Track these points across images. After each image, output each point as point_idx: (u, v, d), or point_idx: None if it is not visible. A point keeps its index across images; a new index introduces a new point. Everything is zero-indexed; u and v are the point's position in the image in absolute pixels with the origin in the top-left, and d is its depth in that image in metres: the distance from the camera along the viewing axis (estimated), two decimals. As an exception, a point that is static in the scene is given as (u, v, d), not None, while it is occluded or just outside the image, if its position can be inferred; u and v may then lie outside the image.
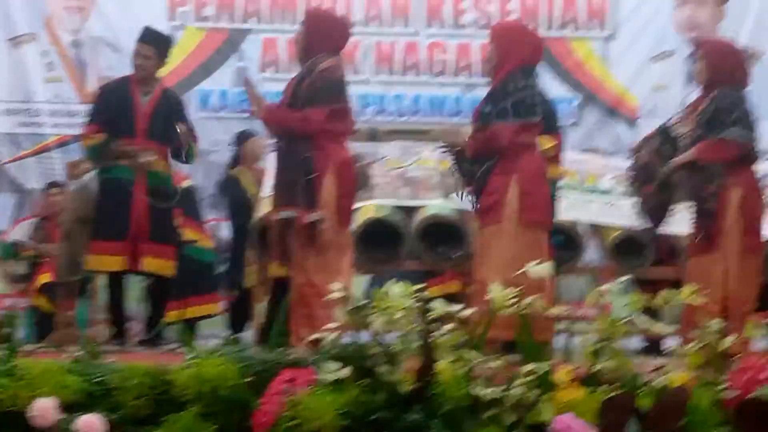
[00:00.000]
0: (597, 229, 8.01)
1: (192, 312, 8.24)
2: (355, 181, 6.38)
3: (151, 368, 4.37)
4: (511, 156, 6.07)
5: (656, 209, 6.76)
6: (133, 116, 7.09)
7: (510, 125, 6.06)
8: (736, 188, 6.37)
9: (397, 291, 4.28)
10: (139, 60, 7.21)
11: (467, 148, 6.19)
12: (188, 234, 8.08)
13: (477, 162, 6.14)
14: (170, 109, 7.23)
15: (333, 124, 6.20)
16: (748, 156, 6.45)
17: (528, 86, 6.22)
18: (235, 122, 10.27)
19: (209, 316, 8.56)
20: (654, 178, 6.63)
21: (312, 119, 6.11)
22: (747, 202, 6.40)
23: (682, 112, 6.73)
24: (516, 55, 6.23)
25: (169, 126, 7.16)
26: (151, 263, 7.08)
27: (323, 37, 6.31)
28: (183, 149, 7.21)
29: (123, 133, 7.00)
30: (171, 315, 7.82)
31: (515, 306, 4.25)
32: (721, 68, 6.52)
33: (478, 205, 6.16)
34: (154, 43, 7.29)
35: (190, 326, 7.98)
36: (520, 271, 4.61)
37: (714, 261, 6.33)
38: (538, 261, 4.61)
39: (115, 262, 7.05)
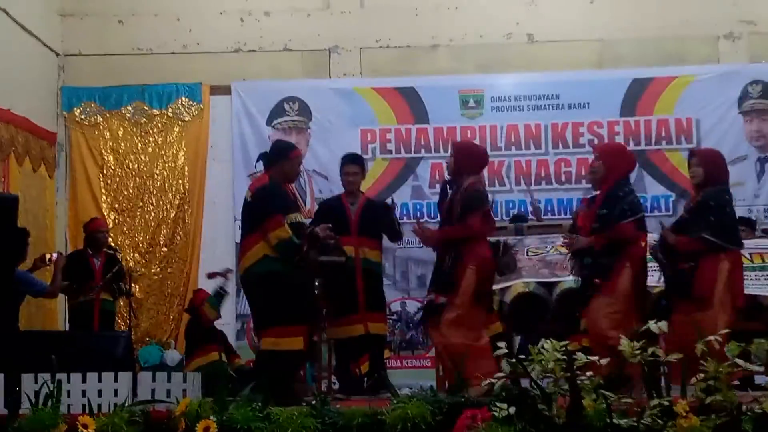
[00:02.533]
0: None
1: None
2: (492, 272, 6.27)
3: (368, 410, 4.44)
4: (627, 245, 5.95)
5: None
6: (347, 221, 7.24)
7: (631, 222, 5.95)
8: None
9: (548, 346, 4.26)
10: (349, 177, 7.38)
11: (595, 244, 6.00)
12: None
13: (602, 254, 5.97)
14: (375, 212, 7.35)
15: (484, 225, 6.19)
16: None
17: (631, 190, 6.13)
18: (415, 227, 10.39)
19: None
20: None
21: (471, 225, 6.10)
22: None
23: None
24: (621, 168, 6.14)
25: (375, 224, 7.29)
26: (375, 327, 7.19)
27: (469, 162, 6.33)
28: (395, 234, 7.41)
29: (342, 233, 7.09)
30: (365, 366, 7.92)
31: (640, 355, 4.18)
32: None
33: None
34: (358, 162, 7.50)
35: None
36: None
37: None
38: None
39: (356, 330, 7.16)
